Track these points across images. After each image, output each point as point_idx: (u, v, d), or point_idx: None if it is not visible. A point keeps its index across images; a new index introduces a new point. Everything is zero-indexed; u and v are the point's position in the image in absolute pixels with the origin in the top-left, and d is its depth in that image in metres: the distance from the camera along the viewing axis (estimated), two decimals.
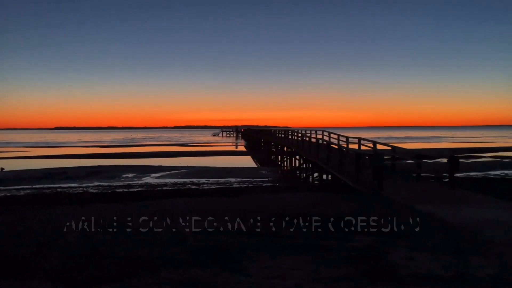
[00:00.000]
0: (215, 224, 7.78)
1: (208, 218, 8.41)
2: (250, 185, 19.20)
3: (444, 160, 13.25)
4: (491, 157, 34.15)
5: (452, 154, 12.52)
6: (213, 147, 58.80)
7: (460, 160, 30.42)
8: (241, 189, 17.41)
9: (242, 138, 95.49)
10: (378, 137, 73.93)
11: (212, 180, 21.32)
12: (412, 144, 59.96)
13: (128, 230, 7.37)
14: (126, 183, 20.61)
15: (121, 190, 17.98)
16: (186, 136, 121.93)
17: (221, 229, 7.31)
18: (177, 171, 25.58)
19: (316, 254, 5.60)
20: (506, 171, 23.92)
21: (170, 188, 18.36)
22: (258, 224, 7.73)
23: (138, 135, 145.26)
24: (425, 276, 4.67)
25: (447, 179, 12.74)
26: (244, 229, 7.25)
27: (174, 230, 7.29)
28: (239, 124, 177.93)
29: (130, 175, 23.99)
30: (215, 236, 6.76)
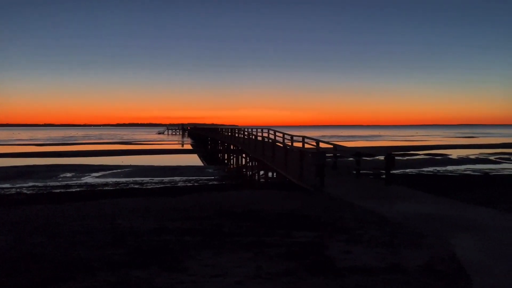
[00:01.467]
0: (157, 223, 7.62)
1: (150, 218, 8.22)
2: (195, 184, 19.01)
3: (382, 157, 13.91)
4: (424, 154, 36.34)
5: (389, 152, 13.17)
6: (158, 146, 57.51)
7: (397, 158, 32.16)
8: (186, 187, 17.19)
9: (188, 136, 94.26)
10: (323, 136, 76.14)
11: (156, 179, 20.85)
12: (354, 142, 62.39)
13: (65, 232, 7.01)
14: (64, 183, 19.60)
15: (58, 190, 17.08)
16: (129, 134, 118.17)
17: (164, 228, 7.17)
18: (119, 170, 24.73)
19: (258, 251, 5.65)
20: (438, 168, 25.58)
21: (111, 188, 17.72)
22: (202, 222, 7.67)
23: (78, 133, 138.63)
24: (361, 268, 4.87)
25: (384, 176, 13.39)
26: (187, 228, 7.16)
27: (114, 231, 7.04)
28: (185, 122, 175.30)
29: (68, 174, 22.85)
30: (156, 236, 6.61)
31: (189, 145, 60.93)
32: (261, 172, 21.26)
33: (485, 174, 21.84)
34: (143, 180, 20.38)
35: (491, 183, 16.68)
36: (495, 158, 32.67)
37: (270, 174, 19.86)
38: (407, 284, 4.36)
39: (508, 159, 31.82)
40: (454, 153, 37.42)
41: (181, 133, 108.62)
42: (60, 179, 21.14)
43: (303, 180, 13.02)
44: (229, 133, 33.87)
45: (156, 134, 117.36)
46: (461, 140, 68.50)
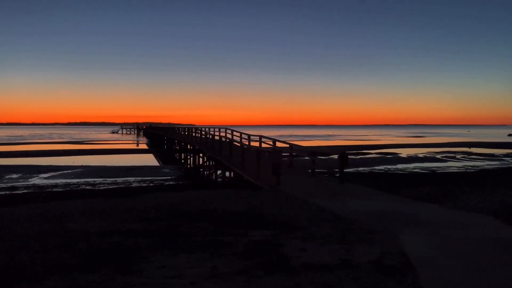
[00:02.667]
0: (110, 225, 7.38)
1: (102, 220, 7.96)
2: (151, 184, 18.64)
3: (336, 156, 14.28)
4: (377, 153, 37.70)
5: (343, 151, 13.55)
6: (111, 145, 55.77)
7: (350, 157, 33.07)
8: (141, 188, 16.81)
9: (143, 135, 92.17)
10: (280, 135, 77.02)
11: (109, 179, 20.22)
12: (310, 142, 63.57)
13: (9, 236, 6.63)
14: (9, 184, 18.56)
15: (3, 192, 16.14)
16: (81, 133, 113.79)
17: (117, 230, 6.96)
18: (70, 171, 23.77)
19: (214, 251, 5.62)
20: (389, 166, 26.62)
21: (61, 189, 16.99)
22: (157, 223, 7.53)
23: (25, 132, 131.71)
24: (315, 265, 4.97)
25: (338, 174, 13.75)
26: (142, 229, 7.00)
27: (63, 234, 6.75)
28: (141, 121, 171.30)
29: (14, 176, 21.66)
30: (109, 238, 6.41)
31: (145, 144, 59.58)
32: (219, 172, 21.20)
33: (432, 172, 22.98)
34: (95, 181, 19.70)
35: (437, 181, 17.57)
36: (441, 156, 34.45)
37: (227, 173, 19.85)
38: (358, 279, 4.50)
39: (454, 157, 33.66)
40: (404, 152, 39.07)
41: (136, 133, 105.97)
42: (6, 180, 19.99)
43: (260, 179, 13.12)
44: (186, 133, 33.47)
45: (109, 133, 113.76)
46: (410, 140, 71.67)
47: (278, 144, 18.84)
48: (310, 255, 5.40)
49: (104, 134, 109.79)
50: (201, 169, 26.10)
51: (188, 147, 31.59)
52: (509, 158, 32.26)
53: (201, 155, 26.99)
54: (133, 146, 55.89)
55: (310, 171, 15.35)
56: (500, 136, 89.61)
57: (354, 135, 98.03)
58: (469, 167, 25.89)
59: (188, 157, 31.22)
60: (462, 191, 12.81)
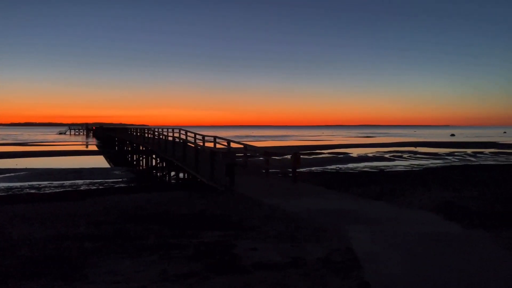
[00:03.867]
0: (54, 230, 7.07)
1: (47, 225, 7.60)
2: (100, 187, 18.00)
3: (289, 156, 14.51)
4: (329, 153, 38.66)
5: (295, 151, 13.78)
6: (59, 147, 53.31)
7: (303, 157, 33.54)
8: (90, 191, 16.19)
9: (93, 136, 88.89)
10: (235, 136, 77.03)
11: (56, 182, 19.32)
12: (264, 142, 64.12)
13: None
14: None
15: None
16: (25, 134, 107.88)
17: (62, 235, 6.67)
18: (13, 174, 22.45)
19: (165, 254, 5.53)
20: (340, 165, 27.37)
21: (3, 194, 16.01)
22: (105, 227, 7.30)
23: None
24: (265, 264, 5.02)
25: (291, 174, 13.96)
26: (89, 234, 6.76)
27: (3, 240, 6.38)
28: (90, 121, 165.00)
29: None
30: (53, 244, 6.13)
31: (95, 146, 57.46)
32: (172, 173, 20.87)
33: (381, 171, 23.89)
34: (40, 185, 18.74)
35: (385, 179, 18.29)
36: (389, 156, 35.91)
37: (181, 175, 19.59)
38: (306, 276, 4.60)
39: (401, 156, 35.19)
40: (355, 152, 40.35)
41: (85, 133, 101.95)
42: None
43: (214, 180, 13.05)
44: (139, 133, 32.66)
45: (56, 134, 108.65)
46: (361, 140, 74.15)
47: (233, 145, 18.84)
48: (261, 254, 5.45)
49: (50, 135, 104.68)
50: (154, 171, 25.57)
51: (141, 148, 30.83)
52: (451, 157, 34.23)
53: (154, 156, 26.45)
54: (82, 148, 53.75)
55: (264, 171, 15.48)
56: (443, 136, 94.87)
57: (308, 136, 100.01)
58: (415, 166, 27.19)
59: (141, 158, 30.48)
60: (407, 188, 13.42)
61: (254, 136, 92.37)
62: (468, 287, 4.34)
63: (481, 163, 28.56)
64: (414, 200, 10.45)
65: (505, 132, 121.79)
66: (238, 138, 60.98)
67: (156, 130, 26.45)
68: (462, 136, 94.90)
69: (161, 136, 23.78)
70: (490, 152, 39.80)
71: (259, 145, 33.80)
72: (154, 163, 26.28)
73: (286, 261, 5.15)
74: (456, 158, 33.23)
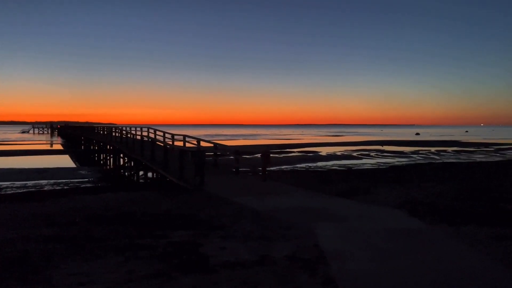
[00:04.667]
0: (16, 232, 6.81)
1: (7, 227, 7.32)
2: (65, 187, 17.49)
3: (260, 155, 14.57)
4: (299, 152, 39.08)
5: (265, 150, 13.85)
6: (22, 146, 51.36)
7: (274, 155, 33.72)
8: (54, 191, 15.70)
9: (58, 135, 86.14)
10: (206, 135, 76.57)
11: (18, 183, 18.62)
12: (235, 141, 64.10)
13: None
14: None
15: None
16: None
17: (24, 237, 6.44)
18: None
19: (131, 254, 5.44)
20: (309, 164, 27.71)
21: None
22: (70, 228, 7.10)
23: None
24: (234, 263, 5.03)
25: (261, 173, 14.02)
26: (52, 235, 6.55)
27: None
28: (55, 120, 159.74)
29: None
30: (14, 246, 5.91)
31: (60, 145, 55.73)
32: (141, 173, 20.53)
33: (349, 169, 24.36)
34: (1, 185, 18.02)
35: (353, 177, 18.67)
36: (357, 154, 36.66)
37: (150, 174, 19.30)
38: (274, 274, 4.64)
39: (368, 155, 35.99)
40: (324, 151, 40.96)
41: (50, 132, 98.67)
42: None
43: (183, 179, 12.93)
44: (106, 132, 31.91)
45: (19, 133, 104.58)
46: (330, 139, 75.31)
47: (203, 144, 18.72)
48: (229, 253, 5.46)
49: (13, 134, 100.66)
50: (122, 170, 25.07)
51: (108, 147, 30.14)
52: (416, 155, 35.30)
53: (121, 155, 25.91)
54: (47, 147, 51.99)
55: (234, 170, 15.47)
56: (409, 135, 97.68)
57: (279, 135, 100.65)
58: (381, 164, 27.87)
59: (108, 158, 29.80)
60: (374, 186, 13.75)
61: (225, 135, 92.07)
62: (428, 280, 4.49)
63: (444, 161, 29.62)
64: (380, 198, 10.71)
65: (467, 131, 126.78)
66: (209, 137, 60.65)
67: (124, 129, 25.93)
68: (426, 135, 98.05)
69: (129, 135, 23.34)
70: (453, 151, 41.33)
71: (230, 144, 33.74)
72: (121, 163, 25.76)
73: (254, 259, 5.18)
74: (420, 156, 34.29)
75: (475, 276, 4.64)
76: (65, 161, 32.25)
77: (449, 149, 43.88)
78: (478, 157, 32.88)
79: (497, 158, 32.13)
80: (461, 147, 47.78)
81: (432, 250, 5.66)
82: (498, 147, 46.38)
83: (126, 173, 23.51)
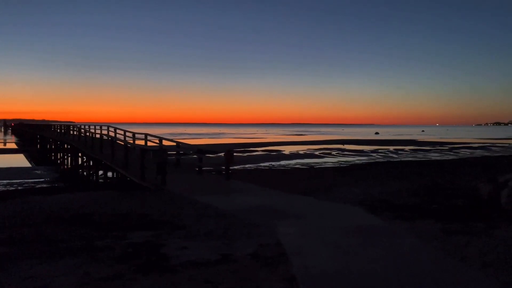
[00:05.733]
0: None
1: None
2: (20, 188, 16.72)
3: (223, 154, 14.53)
4: (262, 151, 39.27)
5: (228, 149, 13.83)
6: None
7: (238, 154, 33.69)
8: (8, 192, 14.98)
9: (12, 133, 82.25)
10: (169, 133, 75.46)
11: None
12: (199, 140, 63.56)
13: None
14: None
15: None
16: None
17: None
18: None
19: (89, 256, 5.29)
20: (273, 163, 27.93)
21: None
22: (24, 230, 6.80)
23: None
24: (195, 262, 5.00)
25: (224, 172, 13.99)
26: (5, 238, 6.26)
27: None
28: (9, 117, 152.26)
29: None
30: None
31: (14, 144, 53.20)
32: (100, 172, 19.96)
33: (311, 167, 24.76)
34: None
35: (314, 175, 19.00)
36: (319, 153, 37.32)
37: (110, 174, 18.81)
38: (235, 273, 4.65)
39: (330, 153, 36.72)
40: (287, 149, 41.39)
41: (3, 130, 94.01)
42: None
43: (144, 179, 12.70)
44: (63, 131, 30.78)
45: None
46: (293, 138, 76.23)
47: (165, 143, 18.43)
48: (191, 253, 5.42)
49: None
50: (80, 170, 24.27)
51: (66, 146, 29.08)
52: (375, 154, 36.39)
53: (80, 154, 25.08)
54: (0, 146, 49.48)
55: (197, 169, 15.35)
56: (369, 134, 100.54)
57: (242, 133, 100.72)
58: (342, 162, 28.52)
59: (65, 157, 28.75)
60: (334, 184, 14.05)
61: (189, 134, 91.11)
62: (384, 275, 4.65)
63: (402, 159, 30.69)
64: (340, 195, 10.96)
65: (423, 131, 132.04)
66: (172, 136, 59.80)
67: (83, 127, 25.12)
68: (385, 134, 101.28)
69: (87, 134, 22.64)
70: (410, 149, 42.91)
71: (194, 143, 33.42)
72: (80, 162, 24.93)
73: (216, 258, 5.17)
74: (379, 155, 35.38)
75: (428, 269, 4.85)
76: (20, 161, 30.84)
77: (407, 148, 45.52)
78: (433, 156, 34.32)
79: (450, 156, 33.66)
80: (417, 146, 49.68)
81: (389, 245, 5.86)
82: (452, 146, 48.62)
83: (85, 173, 22.78)
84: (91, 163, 21.36)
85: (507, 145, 52.35)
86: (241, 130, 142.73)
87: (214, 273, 4.64)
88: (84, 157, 23.10)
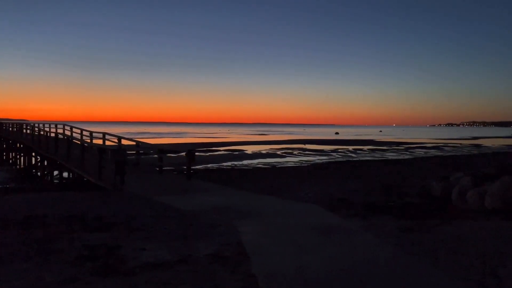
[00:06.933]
0: None
1: None
2: None
3: (184, 153, 14.36)
4: (225, 150, 39.17)
5: (189, 148, 13.69)
6: None
7: (200, 154, 33.44)
8: None
9: None
10: (129, 132, 73.67)
11: None
12: (161, 139, 62.48)
13: None
14: None
15: None
16: None
17: None
18: None
19: (42, 260, 5.07)
20: (235, 162, 27.92)
21: None
22: None
23: None
24: (154, 264, 4.91)
25: (186, 171, 13.83)
26: None
27: None
28: None
29: None
30: None
31: None
32: (55, 173, 19.21)
33: (273, 167, 24.96)
34: None
35: (276, 175, 19.18)
36: (281, 152, 37.69)
37: (66, 174, 18.14)
38: (195, 273, 4.61)
39: (291, 153, 37.17)
40: (249, 149, 41.50)
41: None
42: None
43: (102, 179, 12.34)
44: (16, 129, 29.35)
45: None
46: (256, 137, 76.53)
47: (124, 142, 17.99)
48: (149, 254, 5.31)
49: None
50: (34, 170, 23.24)
51: (18, 145, 27.75)
52: (335, 153, 37.19)
53: (33, 154, 24.00)
54: None
55: (157, 169, 15.09)
56: (329, 134, 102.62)
57: (205, 133, 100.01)
58: (303, 162, 28.95)
59: (18, 157, 27.43)
60: (296, 183, 14.25)
61: (150, 133, 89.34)
62: (342, 272, 4.76)
63: (360, 158, 31.56)
64: (301, 194, 11.13)
65: (381, 131, 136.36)
66: (133, 135, 58.50)
67: (37, 125, 24.06)
68: (345, 134, 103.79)
69: (42, 132, 21.72)
70: (368, 149, 44.20)
71: (155, 142, 32.81)
72: (34, 162, 23.87)
73: (176, 259, 5.10)
74: (339, 154, 36.21)
75: (383, 265, 5.02)
76: None
77: (365, 147, 46.85)
78: (390, 155, 35.52)
79: (406, 156, 34.97)
80: (375, 146, 51.24)
81: (347, 243, 6.01)
82: (408, 146, 50.52)
83: (39, 173, 21.84)
84: (45, 163, 20.51)
85: (458, 145, 55.06)
86: (204, 129, 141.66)
87: (173, 274, 4.57)
88: (38, 157, 22.14)
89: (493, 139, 78.96)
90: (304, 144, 52.65)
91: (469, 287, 4.35)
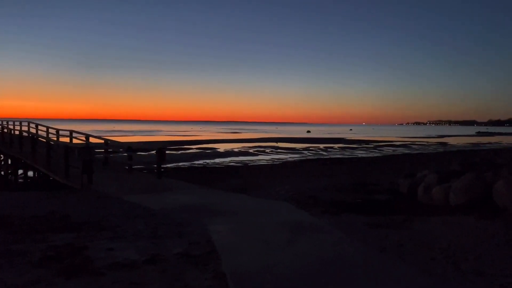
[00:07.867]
0: None
1: None
2: None
3: (155, 152, 14.16)
4: (197, 148, 38.90)
5: (160, 146, 13.52)
6: None
7: (171, 152, 33.12)
8: None
9: None
10: (99, 131, 71.98)
11: None
12: (131, 137, 61.40)
13: None
14: None
15: None
16: None
17: None
18: None
19: (4, 262, 4.89)
20: (207, 160, 27.79)
21: None
22: None
23: None
24: (121, 264, 4.82)
25: (156, 170, 13.64)
26: None
27: None
28: None
29: None
30: None
31: None
32: (20, 172, 18.54)
33: (245, 165, 24.98)
34: None
35: (248, 173, 19.22)
36: (253, 151, 37.78)
37: (31, 173, 17.56)
38: (164, 273, 4.56)
39: (264, 151, 37.31)
40: (222, 147, 41.38)
41: None
42: None
43: (69, 178, 12.03)
44: None
45: None
46: (228, 135, 76.37)
47: (92, 140, 17.56)
48: (117, 254, 5.21)
49: None
50: None
51: None
52: (307, 151, 37.61)
53: None
54: None
55: (127, 168, 14.82)
56: (301, 132, 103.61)
57: (177, 131, 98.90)
58: (275, 160, 29.13)
59: None
60: (267, 181, 14.33)
61: (120, 131, 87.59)
62: (311, 269, 4.83)
63: (331, 156, 32.05)
64: (272, 192, 11.18)
65: (351, 130, 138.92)
66: (103, 133, 57.20)
67: (0, 122, 23.16)
68: (317, 132, 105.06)
69: (4, 130, 20.92)
70: (339, 147, 44.94)
71: (125, 140, 32.22)
72: None
73: (144, 259, 5.03)
74: (310, 153, 36.64)
75: (352, 260, 5.12)
76: None
77: (336, 145, 47.60)
78: (360, 153, 36.24)
79: (375, 154, 35.78)
80: (346, 144, 52.16)
81: (317, 239, 6.09)
82: (377, 144, 51.67)
83: (2, 173, 21.01)
84: (9, 162, 19.76)
85: (425, 143, 56.77)
86: (176, 127, 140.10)
87: (141, 274, 4.51)
88: (1, 156, 21.31)
89: (458, 138, 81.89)
90: (276, 142, 52.94)
91: (432, 280, 4.50)
